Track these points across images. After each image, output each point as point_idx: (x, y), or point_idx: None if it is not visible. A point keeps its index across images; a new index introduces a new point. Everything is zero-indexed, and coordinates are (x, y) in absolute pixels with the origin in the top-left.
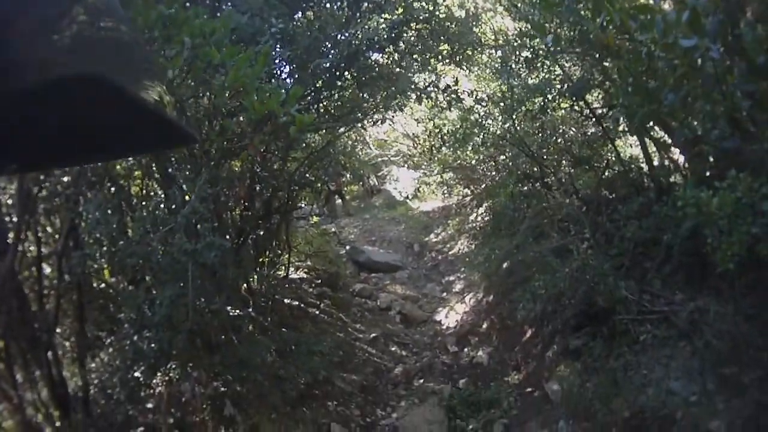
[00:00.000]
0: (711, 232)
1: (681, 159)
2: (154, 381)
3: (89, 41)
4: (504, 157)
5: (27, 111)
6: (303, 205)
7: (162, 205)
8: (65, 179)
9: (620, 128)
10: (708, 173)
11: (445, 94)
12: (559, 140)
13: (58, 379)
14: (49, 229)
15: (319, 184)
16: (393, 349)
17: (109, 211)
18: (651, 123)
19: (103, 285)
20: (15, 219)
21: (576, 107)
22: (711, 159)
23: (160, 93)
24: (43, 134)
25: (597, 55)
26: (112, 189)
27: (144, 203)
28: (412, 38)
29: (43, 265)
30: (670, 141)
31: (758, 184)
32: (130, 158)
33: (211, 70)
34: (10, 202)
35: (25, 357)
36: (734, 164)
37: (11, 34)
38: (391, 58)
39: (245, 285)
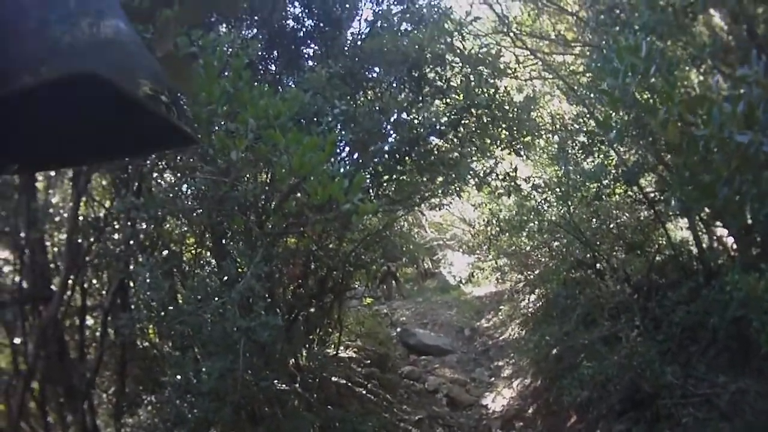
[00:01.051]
0: (756, 315)
1: (729, 240)
2: None
3: (90, 43)
4: (558, 243)
5: (28, 112)
6: (357, 286)
7: (214, 276)
8: (116, 237)
9: (671, 212)
10: (756, 254)
11: (504, 182)
12: (612, 225)
13: (92, 428)
14: (96, 283)
15: (374, 266)
16: (438, 431)
17: (160, 276)
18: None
19: (147, 345)
20: (62, 268)
21: (630, 192)
22: (758, 239)
23: (158, 94)
24: (44, 135)
25: (650, 139)
26: (164, 253)
27: (196, 272)
28: (472, 124)
29: (86, 317)
30: (719, 223)
31: None
32: (183, 224)
33: (273, 149)
34: (56, 250)
35: (59, 402)
36: None
37: (13, 35)
38: (451, 143)
39: (294, 360)
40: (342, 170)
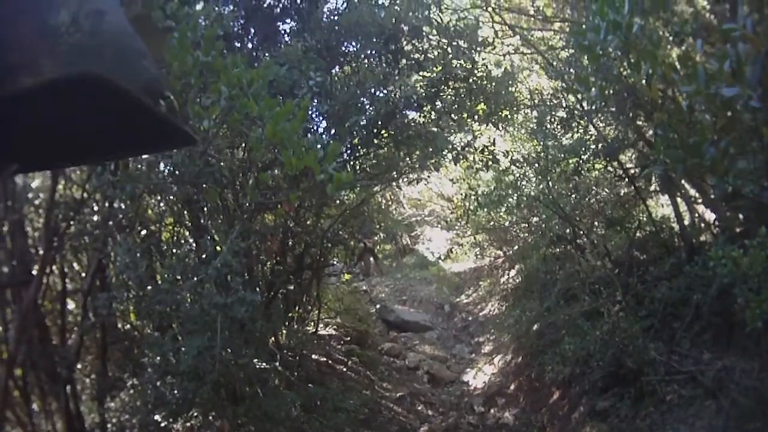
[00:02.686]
0: (741, 291)
1: (711, 217)
2: (175, 426)
3: (91, 43)
4: (537, 218)
5: (28, 111)
6: (335, 262)
7: (192, 254)
8: (95, 218)
9: (652, 188)
10: (739, 231)
11: (482, 155)
12: (592, 201)
13: (75, 413)
14: (75, 266)
15: (351, 242)
16: (419, 408)
17: (138, 255)
18: (683, 181)
19: (128, 327)
20: (41, 252)
21: (609, 167)
22: (741, 216)
23: (158, 94)
24: (43, 135)
25: (631, 114)
26: (143, 233)
27: (174, 250)
28: (450, 97)
29: (67, 301)
30: (701, 199)
31: None
32: (161, 202)
33: (248, 122)
34: (36, 235)
35: (42, 388)
36: (765, 221)
37: (13, 35)
38: (428, 117)
39: (273, 338)
40: (317, 143)
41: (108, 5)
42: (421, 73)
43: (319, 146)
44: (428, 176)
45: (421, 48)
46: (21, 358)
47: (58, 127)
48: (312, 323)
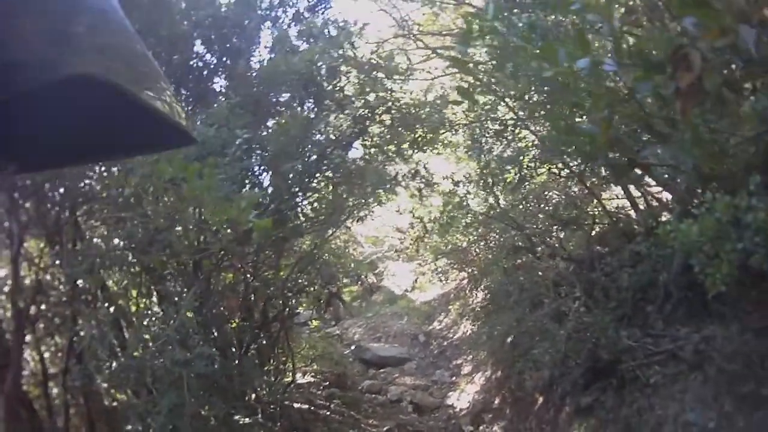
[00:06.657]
0: (698, 260)
1: (668, 196)
2: None
3: (89, 42)
4: (494, 234)
5: (27, 111)
6: (301, 311)
7: (157, 320)
8: (62, 299)
9: (602, 181)
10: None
11: (416, 181)
12: (543, 206)
13: None
14: (51, 346)
15: (313, 289)
16: None
17: (106, 329)
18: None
19: (112, 401)
20: (9, 335)
21: (554, 169)
22: (685, 187)
23: (159, 94)
24: (42, 134)
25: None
26: (111, 309)
27: (143, 322)
28: (378, 129)
29: (49, 383)
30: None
31: (738, 199)
32: (124, 275)
33: (169, 185)
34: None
35: None
36: (709, 187)
37: (12, 34)
38: (366, 153)
39: (253, 394)
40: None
41: (108, 4)
42: (344, 111)
43: (241, 196)
44: (371, 212)
45: (339, 86)
46: None
47: (57, 127)
48: (289, 373)
